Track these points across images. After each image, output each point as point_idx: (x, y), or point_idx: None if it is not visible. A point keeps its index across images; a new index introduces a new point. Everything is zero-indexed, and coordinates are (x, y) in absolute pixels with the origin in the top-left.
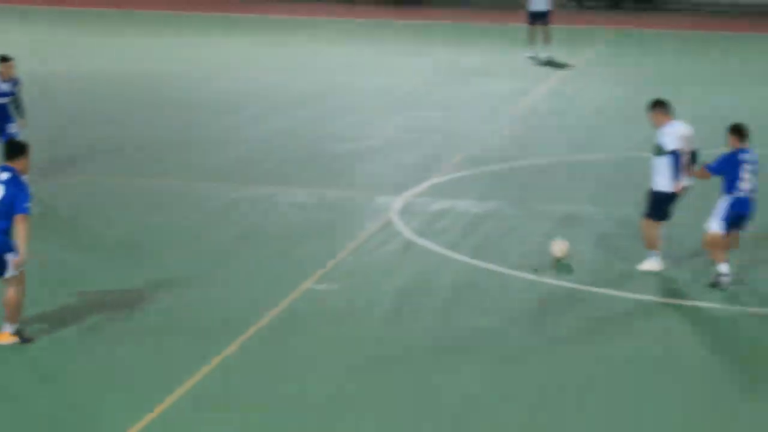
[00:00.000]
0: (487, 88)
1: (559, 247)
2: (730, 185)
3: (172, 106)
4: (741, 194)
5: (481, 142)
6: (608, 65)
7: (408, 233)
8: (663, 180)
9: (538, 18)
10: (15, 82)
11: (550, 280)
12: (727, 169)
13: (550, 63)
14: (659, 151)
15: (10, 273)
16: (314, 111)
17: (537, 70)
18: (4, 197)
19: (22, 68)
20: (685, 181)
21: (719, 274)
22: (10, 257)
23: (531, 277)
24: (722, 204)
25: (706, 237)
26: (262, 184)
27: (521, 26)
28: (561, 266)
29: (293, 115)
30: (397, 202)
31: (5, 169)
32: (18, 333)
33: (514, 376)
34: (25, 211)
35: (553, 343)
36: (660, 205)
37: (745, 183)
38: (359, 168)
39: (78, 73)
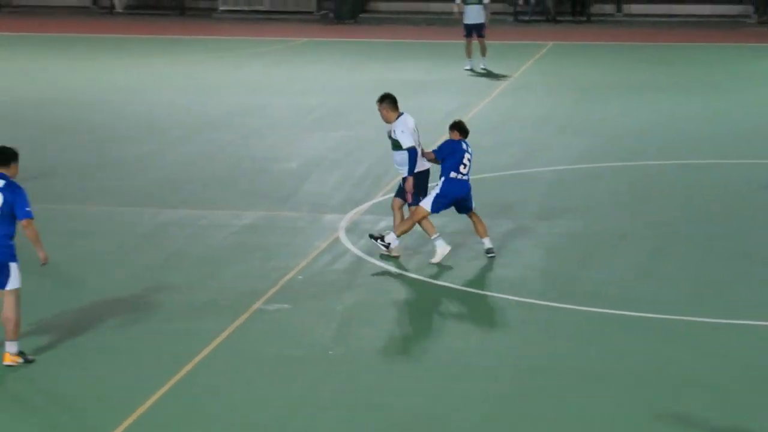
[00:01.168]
0: (426, 103)
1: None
2: (449, 169)
3: (89, 130)
4: (457, 176)
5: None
6: (547, 78)
7: (356, 251)
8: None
9: (474, 30)
10: None
11: (500, 295)
12: (450, 152)
13: (489, 76)
14: (396, 145)
15: (12, 284)
16: (237, 132)
17: (476, 84)
18: (4, 204)
19: None
20: (425, 164)
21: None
22: (14, 266)
23: (481, 292)
24: (439, 188)
25: (415, 210)
26: (188, 207)
27: (459, 42)
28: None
29: (213, 138)
30: (344, 221)
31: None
32: (21, 353)
33: (465, 390)
34: (28, 215)
35: (504, 356)
36: (420, 187)
37: (463, 168)
38: (296, 187)
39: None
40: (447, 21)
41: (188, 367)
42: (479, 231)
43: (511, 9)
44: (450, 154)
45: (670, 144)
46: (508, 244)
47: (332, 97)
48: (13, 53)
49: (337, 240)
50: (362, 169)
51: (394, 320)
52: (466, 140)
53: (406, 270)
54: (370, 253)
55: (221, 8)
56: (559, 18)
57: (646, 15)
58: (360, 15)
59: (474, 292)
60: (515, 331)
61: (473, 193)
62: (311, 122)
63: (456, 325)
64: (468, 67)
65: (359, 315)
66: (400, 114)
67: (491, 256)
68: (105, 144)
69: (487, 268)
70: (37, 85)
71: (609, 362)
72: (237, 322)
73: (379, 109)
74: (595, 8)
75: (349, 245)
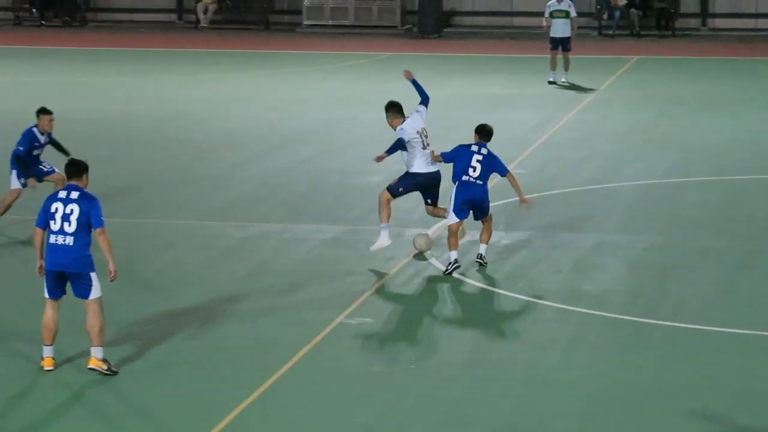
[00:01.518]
0: (509, 117)
1: (422, 241)
2: (457, 174)
3: (173, 145)
4: (468, 180)
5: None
6: (631, 92)
7: (438, 265)
8: (418, 164)
9: (560, 43)
10: (49, 135)
11: (583, 309)
12: (457, 157)
13: (573, 90)
14: (403, 146)
15: (94, 293)
16: (319, 146)
17: (559, 98)
18: (80, 214)
19: (16, 108)
20: (431, 167)
21: (451, 263)
22: (94, 276)
23: (563, 306)
24: (453, 194)
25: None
26: (272, 221)
27: (542, 56)
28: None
29: (298, 151)
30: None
31: (73, 188)
32: (105, 361)
33: (550, 404)
34: (102, 224)
35: (588, 371)
36: (408, 183)
37: (472, 171)
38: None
39: (75, 114)
40: (531, 35)
41: (271, 379)
42: (482, 237)
43: (595, 23)
44: (457, 158)
45: (755, 159)
46: (591, 259)
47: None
48: (97, 68)
49: (420, 256)
50: (443, 184)
51: (477, 334)
52: (485, 144)
53: (487, 284)
54: None
55: (305, 23)
56: (643, 32)
57: (732, 29)
58: (444, 29)
59: (556, 307)
60: (599, 345)
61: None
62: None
63: (539, 339)
64: (551, 80)
65: (441, 328)
66: (405, 119)
67: (479, 263)
68: (189, 158)
69: (570, 282)
70: (122, 99)
71: (695, 378)
72: (319, 336)
73: (387, 118)
74: (680, 22)
75: (432, 259)
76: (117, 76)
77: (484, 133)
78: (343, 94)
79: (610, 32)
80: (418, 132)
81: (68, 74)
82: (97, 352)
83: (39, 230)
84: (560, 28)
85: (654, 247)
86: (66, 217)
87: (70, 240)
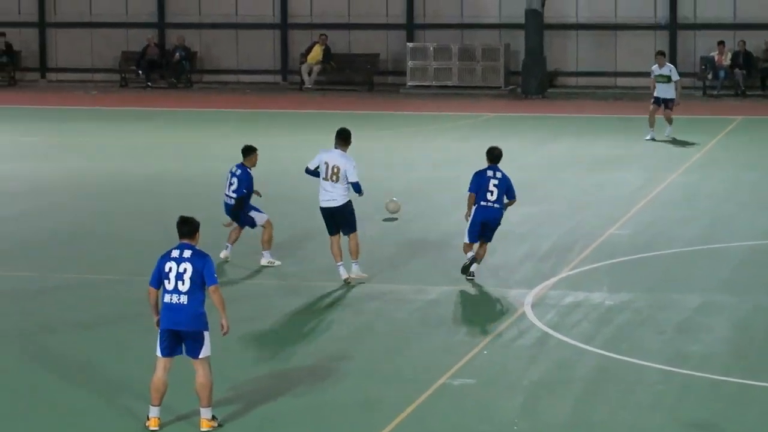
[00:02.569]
0: (614, 177)
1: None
2: (478, 199)
3: (279, 204)
4: (486, 204)
5: (610, 233)
6: (735, 153)
7: (542, 326)
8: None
9: (662, 103)
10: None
11: (687, 371)
12: (477, 185)
13: (677, 150)
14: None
15: (204, 352)
16: (423, 206)
17: (664, 159)
18: (194, 273)
19: (120, 169)
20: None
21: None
22: (206, 335)
23: (667, 367)
24: (471, 216)
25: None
26: (375, 281)
27: (645, 117)
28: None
29: (402, 211)
30: (530, 296)
31: (185, 246)
32: (214, 418)
33: None
34: (215, 281)
35: None
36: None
37: (490, 195)
38: (482, 262)
39: (181, 173)
40: (635, 96)
41: None
42: (478, 253)
43: (700, 83)
44: (477, 186)
45: None
46: (696, 319)
47: (520, 171)
48: (203, 129)
49: (522, 315)
50: (549, 244)
51: (579, 395)
52: (497, 166)
53: (591, 345)
54: (556, 329)
55: (409, 83)
56: (748, 92)
57: None
58: (548, 90)
59: (660, 368)
60: (703, 407)
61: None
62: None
63: (642, 401)
64: (649, 137)
65: (543, 389)
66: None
67: (467, 273)
68: (293, 217)
69: (674, 343)
70: (227, 159)
71: None
72: (422, 397)
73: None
74: None
75: (534, 320)
76: (222, 136)
77: (493, 156)
78: (446, 155)
79: (715, 92)
80: (325, 162)
81: (174, 135)
82: (206, 413)
83: (153, 290)
84: (664, 90)
85: (760, 307)
86: (180, 276)
87: (184, 299)
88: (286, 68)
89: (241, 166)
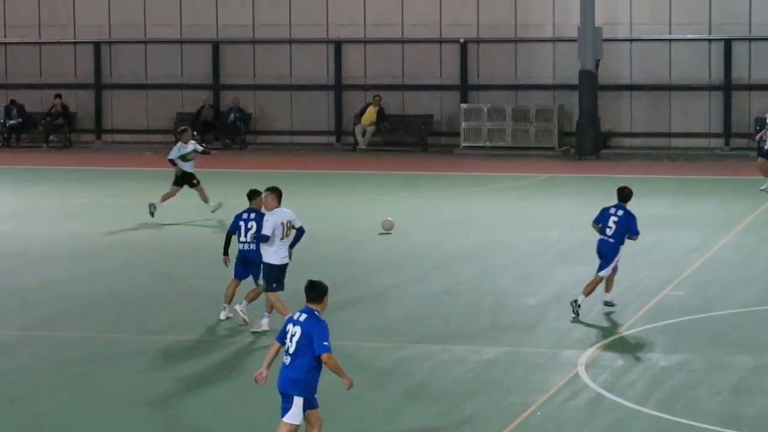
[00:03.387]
0: (669, 238)
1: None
2: (600, 232)
3: (330, 266)
4: (604, 238)
5: (665, 294)
6: None
7: (595, 387)
8: (269, 254)
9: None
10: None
11: None
12: (600, 218)
13: (732, 211)
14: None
15: (289, 418)
16: (476, 267)
17: (719, 219)
18: (301, 337)
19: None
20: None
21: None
22: (297, 400)
23: (722, 429)
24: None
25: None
26: (429, 341)
27: (701, 178)
28: None
29: (455, 272)
30: (584, 356)
31: (306, 310)
32: None
33: None
34: (324, 349)
35: None
36: (272, 275)
37: (608, 230)
38: (535, 323)
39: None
40: (689, 156)
41: None
42: (607, 285)
43: (754, 144)
44: (600, 219)
45: None
46: (751, 380)
47: (574, 232)
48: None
49: (576, 376)
50: (602, 305)
51: None
52: (623, 205)
53: (645, 406)
54: (609, 390)
55: (463, 144)
56: None
57: None
58: (602, 150)
59: (715, 430)
60: None
61: None
62: (552, 257)
63: None
64: (763, 188)
65: None
66: (278, 207)
67: (608, 305)
68: (347, 278)
69: (730, 405)
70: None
71: None
72: None
73: (264, 198)
74: None
75: (588, 381)
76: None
77: (621, 195)
78: (501, 215)
79: None
80: (281, 223)
81: (228, 196)
82: None
83: (277, 344)
84: None
85: None
86: (291, 338)
87: (288, 360)
88: (340, 129)
89: (252, 210)
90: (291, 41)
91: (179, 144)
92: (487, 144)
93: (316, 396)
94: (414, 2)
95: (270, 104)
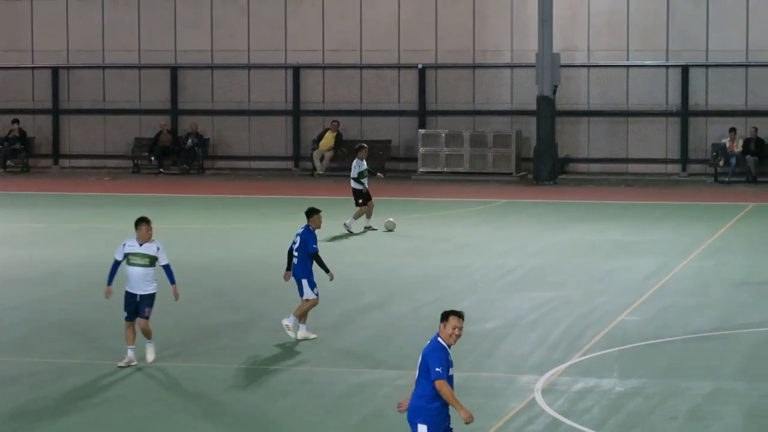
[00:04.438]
0: (626, 264)
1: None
2: None
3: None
4: None
5: (621, 320)
6: (748, 239)
7: (552, 412)
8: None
9: None
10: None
11: None
12: None
13: (689, 236)
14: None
15: None
16: (436, 293)
17: (675, 245)
18: (422, 362)
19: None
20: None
21: None
22: (420, 427)
23: None
24: None
25: None
26: (386, 367)
27: (659, 203)
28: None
29: (414, 298)
30: (540, 381)
31: (434, 336)
32: None
33: None
34: (437, 375)
35: None
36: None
37: None
38: (493, 348)
39: (192, 259)
40: (646, 182)
41: None
42: None
43: (711, 170)
44: None
45: None
46: (707, 407)
47: (532, 257)
48: (215, 215)
49: (533, 401)
50: (560, 330)
51: None
52: None
53: (601, 431)
54: (566, 415)
55: (421, 170)
56: (760, 179)
57: None
58: (559, 176)
59: None
60: None
61: None
62: (510, 283)
63: None
64: None
65: None
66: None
67: None
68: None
69: (685, 430)
70: (239, 246)
71: None
72: None
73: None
74: None
75: (545, 406)
76: (234, 222)
77: None
78: (459, 241)
79: (726, 179)
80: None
81: (186, 221)
82: None
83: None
84: None
85: None
86: (418, 365)
87: (414, 387)
88: (298, 154)
89: (305, 227)
90: (249, 66)
91: (356, 160)
92: (445, 169)
93: (452, 427)
94: (372, 28)
95: (228, 129)
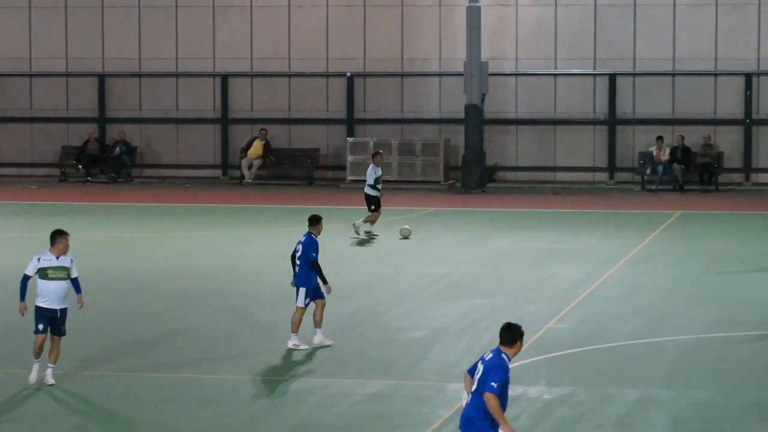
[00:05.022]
0: (554, 272)
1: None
2: None
3: (218, 300)
4: None
5: (549, 328)
6: (674, 247)
7: None
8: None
9: None
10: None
11: None
12: None
13: (616, 245)
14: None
15: None
16: (365, 301)
17: (603, 254)
18: (482, 374)
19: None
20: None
21: None
22: None
23: None
24: None
25: None
26: (316, 375)
27: (587, 211)
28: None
29: (344, 305)
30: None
31: (495, 350)
32: None
33: None
34: (490, 389)
35: None
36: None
37: None
38: (421, 356)
39: (117, 269)
40: (574, 190)
41: None
42: None
43: (638, 178)
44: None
45: None
46: (635, 414)
47: (460, 266)
48: (143, 224)
49: (461, 409)
50: (488, 338)
51: None
52: None
53: None
54: None
55: (349, 178)
56: (686, 187)
57: None
58: (487, 184)
59: None
60: None
61: None
62: (439, 291)
63: None
64: None
65: None
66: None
67: None
68: (237, 314)
69: None
70: (167, 254)
71: None
72: None
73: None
74: (723, 177)
75: None
76: (162, 231)
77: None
78: (387, 250)
79: (653, 187)
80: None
81: (113, 230)
82: None
83: (468, 376)
84: None
85: (698, 402)
86: (476, 375)
87: (469, 398)
88: (226, 163)
89: (307, 234)
90: (177, 74)
91: (372, 166)
92: None
93: None
94: (301, 36)
95: (156, 137)
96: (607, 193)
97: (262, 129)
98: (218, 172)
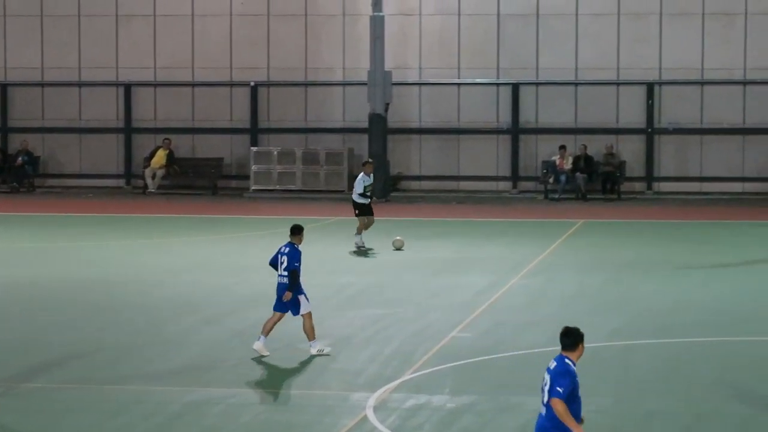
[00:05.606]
0: (456, 281)
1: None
2: None
3: (120, 311)
4: None
5: (453, 336)
6: (577, 256)
7: (384, 429)
8: None
9: None
10: None
11: None
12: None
13: (519, 254)
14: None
15: None
16: (268, 312)
17: (506, 262)
18: (549, 383)
19: None
20: None
21: None
22: None
23: None
24: None
25: None
26: (219, 385)
27: (490, 220)
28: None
29: (246, 316)
30: (372, 398)
31: (556, 358)
32: None
33: None
34: (554, 394)
35: None
36: None
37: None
38: (325, 365)
39: (22, 280)
40: (478, 199)
41: None
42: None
43: (541, 187)
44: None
45: (700, 322)
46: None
47: (364, 275)
48: (45, 234)
49: (365, 418)
50: (392, 347)
51: None
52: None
53: None
54: (397, 431)
55: (253, 188)
56: (589, 196)
57: (677, 192)
58: (391, 193)
59: None
60: None
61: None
62: (343, 300)
63: None
64: None
65: None
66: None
67: None
68: (141, 323)
69: None
70: (71, 265)
71: None
72: None
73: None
74: (626, 186)
75: (377, 423)
76: (66, 241)
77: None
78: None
79: (556, 196)
80: None
81: (15, 240)
82: None
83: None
84: None
85: (601, 409)
86: (543, 387)
87: (543, 410)
88: (129, 172)
89: (289, 244)
90: (80, 84)
91: (361, 175)
92: (278, 187)
93: None
94: (204, 45)
95: (59, 147)
96: (510, 202)
97: (165, 138)
98: (121, 182)
